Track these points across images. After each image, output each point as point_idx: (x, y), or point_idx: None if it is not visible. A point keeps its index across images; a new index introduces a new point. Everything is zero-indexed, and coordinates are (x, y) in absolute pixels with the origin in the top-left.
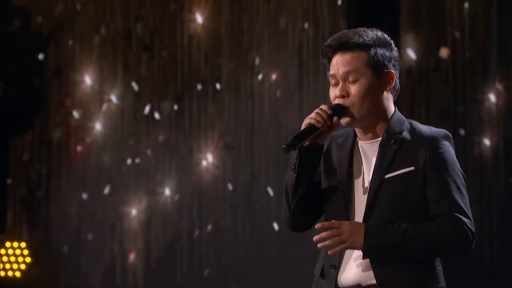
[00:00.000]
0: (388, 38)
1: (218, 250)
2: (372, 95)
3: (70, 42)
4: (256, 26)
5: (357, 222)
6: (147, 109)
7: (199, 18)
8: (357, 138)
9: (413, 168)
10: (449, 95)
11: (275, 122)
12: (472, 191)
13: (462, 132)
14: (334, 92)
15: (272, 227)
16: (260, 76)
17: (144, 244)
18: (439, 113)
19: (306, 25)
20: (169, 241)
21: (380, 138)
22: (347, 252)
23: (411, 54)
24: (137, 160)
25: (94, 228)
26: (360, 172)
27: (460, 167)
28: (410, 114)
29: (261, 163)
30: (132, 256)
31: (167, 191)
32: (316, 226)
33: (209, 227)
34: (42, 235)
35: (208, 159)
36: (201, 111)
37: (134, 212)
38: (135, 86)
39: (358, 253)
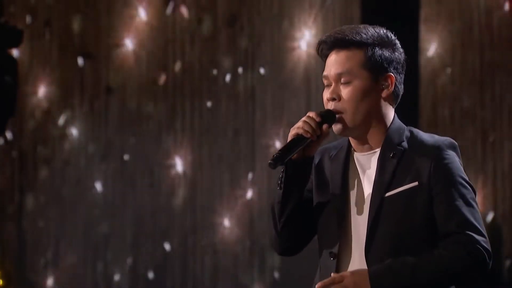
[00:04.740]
0: (392, 38)
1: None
2: (367, 100)
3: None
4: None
5: (359, 271)
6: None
7: None
8: (352, 150)
9: (416, 183)
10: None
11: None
12: None
13: None
14: (326, 95)
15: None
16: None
17: (131, 264)
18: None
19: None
20: (159, 261)
21: (378, 150)
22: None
23: None
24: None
25: (73, 247)
26: (356, 189)
27: None
28: None
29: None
30: (117, 278)
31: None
32: (316, 287)
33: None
34: (15, 256)
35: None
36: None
37: (119, 229)
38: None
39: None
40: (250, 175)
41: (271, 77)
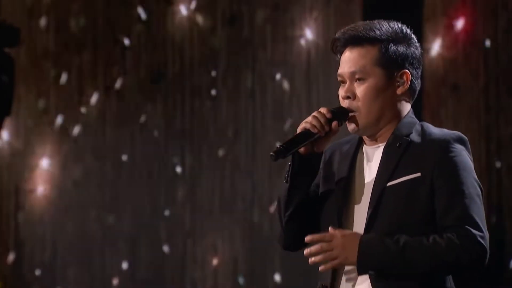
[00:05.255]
0: (408, 32)
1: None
2: (382, 98)
3: (45, 35)
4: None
5: (351, 234)
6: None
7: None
8: (363, 143)
9: (419, 174)
10: None
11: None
12: None
13: None
14: (341, 93)
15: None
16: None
17: (129, 266)
18: None
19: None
20: (157, 262)
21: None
22: (346, 269)
23: None
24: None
25: (71, 249)
26: (360, 179)
27: None
28: None
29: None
30: (115, 280)
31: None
32: (306, 239)
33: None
34: (12, 258)
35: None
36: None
37: (117, 230)
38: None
39: (354, 273)
40: (250, 176)
41: (271, 77)
